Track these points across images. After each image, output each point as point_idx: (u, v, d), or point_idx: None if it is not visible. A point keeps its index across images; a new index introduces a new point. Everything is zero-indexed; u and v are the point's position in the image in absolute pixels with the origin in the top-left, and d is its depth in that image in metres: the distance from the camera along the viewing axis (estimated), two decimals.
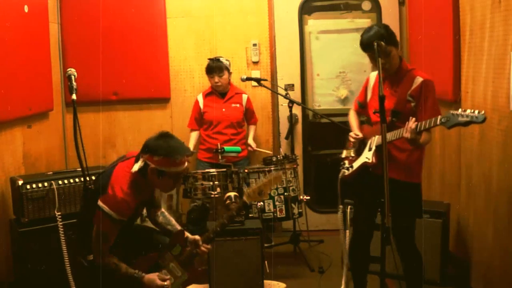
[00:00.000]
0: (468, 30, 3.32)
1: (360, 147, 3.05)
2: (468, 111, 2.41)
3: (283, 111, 4.72)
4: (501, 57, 2.89)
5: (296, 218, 4.01)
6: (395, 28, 4.46)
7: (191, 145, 4.36)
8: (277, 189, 3.70)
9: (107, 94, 4.66)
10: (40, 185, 3.35)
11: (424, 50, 3.94)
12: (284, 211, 3.73)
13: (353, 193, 3.22)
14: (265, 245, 3.66)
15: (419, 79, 2.82)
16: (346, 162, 3.08)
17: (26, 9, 3.73)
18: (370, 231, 3.07)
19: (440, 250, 3.36)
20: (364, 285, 3.17)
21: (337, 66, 4.79)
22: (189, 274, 2.75)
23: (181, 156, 2.56)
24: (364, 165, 2.94)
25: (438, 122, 2.52)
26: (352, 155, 3.08)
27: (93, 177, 2.71)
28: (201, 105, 4.41)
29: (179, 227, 2.92)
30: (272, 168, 3.71)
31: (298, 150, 4.76)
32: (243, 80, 4.28)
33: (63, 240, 3.28)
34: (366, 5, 4.76)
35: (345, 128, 3.34)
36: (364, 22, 4.69)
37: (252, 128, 4.55)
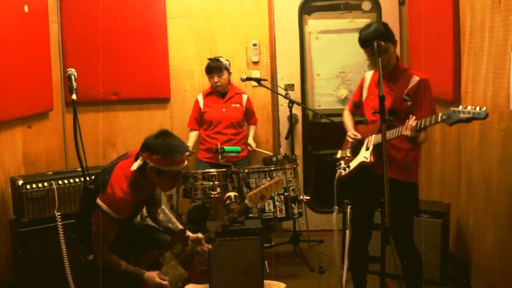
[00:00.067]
0: (468, 30, 3.32)
1: (356, 147, 3.05)
2: (470, 107, 2.39)
3: (283, 111, 4.72)
4: (501, 57, 2.89)
5: (296, 218, 4.01)
6: (395, 28, 4.47)
7: (189, 144, 4.35)
8: None
9: (107, 94, 4.66)
10: (40, 185, 3.34)
11: (424, 50, 3.94)
12: (284, 211, 3.72)
13: (351, 193, 3.22)
14: (265, 245, 3.67)
15: (415, 78, 2.82)
16: (342, 162, 3.07)
17: (26, 9, 3.73)
18: (369, 231, 3.06)
19: (440, 250, 3.36)
20: (364, 285, 3.16)
21: (337, 66, 4.79)
22: (189, 273, 2.75)
23: (180, 155, 2.55)
24: (362, 165, 2.93)
25: (439, 119, 2.51)
26: (348, 155, 3.07)
27: (93, 177, 2.71)
28: (201, 105, 4.41)
29: (180, 226, 2.91)
30: (272, 168, 3.72)
31: (298, 150, 4.76)
32: (243, 80, 4.28)
33: (63, 240, 3.28)
34: (366, 5, 4.76)
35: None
36: (364, 22, 4.67)
37: (252, 128, 4.55)
